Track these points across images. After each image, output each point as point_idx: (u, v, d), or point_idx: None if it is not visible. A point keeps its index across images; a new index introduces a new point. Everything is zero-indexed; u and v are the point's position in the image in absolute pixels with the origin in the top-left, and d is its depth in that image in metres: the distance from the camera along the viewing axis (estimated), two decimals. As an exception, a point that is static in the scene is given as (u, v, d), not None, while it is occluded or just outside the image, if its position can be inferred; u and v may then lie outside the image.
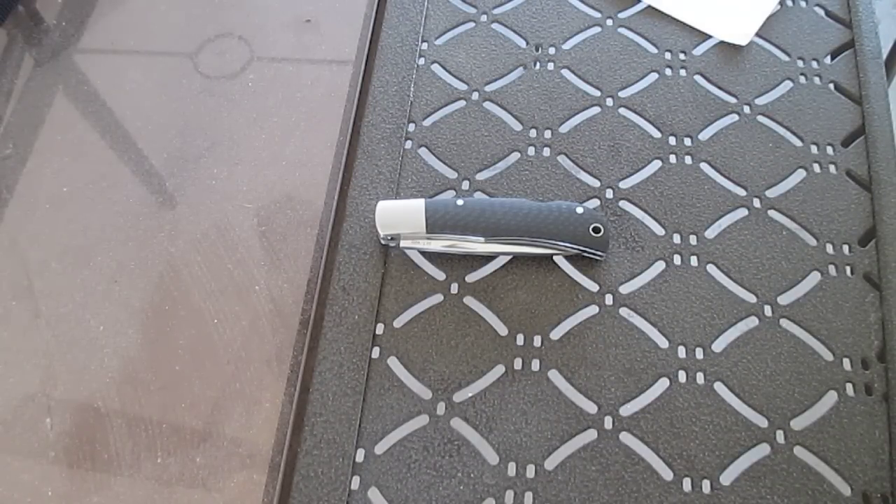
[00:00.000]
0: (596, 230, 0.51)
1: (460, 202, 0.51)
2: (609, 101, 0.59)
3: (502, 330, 0.50)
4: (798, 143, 0.57)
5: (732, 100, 0.58)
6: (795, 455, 0.46)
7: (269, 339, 0.52)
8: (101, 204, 0.57)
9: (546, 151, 0.57)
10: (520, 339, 0.50)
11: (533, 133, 0.57)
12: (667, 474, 0.46)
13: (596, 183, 0.55)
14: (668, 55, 0.61)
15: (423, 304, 0.51)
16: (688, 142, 0.57)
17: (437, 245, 0.52)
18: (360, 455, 0.47)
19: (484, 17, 0.63)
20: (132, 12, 0.68)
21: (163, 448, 0.48)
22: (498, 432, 0.47)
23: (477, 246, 0.51)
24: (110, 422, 0.49)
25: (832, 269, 0.51)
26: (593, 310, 0.51)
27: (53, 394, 0.50)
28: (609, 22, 0.63)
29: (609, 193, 0.55)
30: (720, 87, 0.59)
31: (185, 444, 0.48)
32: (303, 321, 0.52)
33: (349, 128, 0.59)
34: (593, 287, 0.51)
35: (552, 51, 0.61)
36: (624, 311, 0.50)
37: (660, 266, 0.52)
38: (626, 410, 0.47)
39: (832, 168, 0.55)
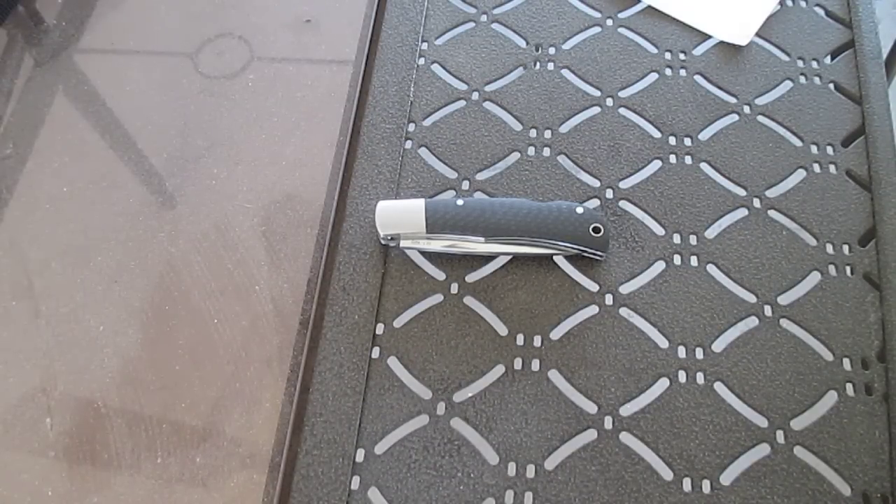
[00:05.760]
0: (596, 230, 0.51)
1: (460, 202, 0.51)
2: (609, 101, 0.59)
3: (502, 330, 0.50)
4: (798, 143, 0.57)
5: (732, 100, 0.58)
6: (795, 455, 0.46)
7: (269, 339, 0.52)
8: (101, 204, 0.57)
9: (546, 151, 0.57)
10: (520, 339, 0.50)
11: (533, 133, 0.57)
12: (667, 474, 0.46)
13: (596, 183, 0.55)
14: (668, 55, 0.61)
15: (423, 304, 0.51)
16: (688, 142, 0.57)
17: (437, 245, 0.52)
18: (360, 455, 0.47)
19: (484, 17, 0.63)
20: (132, 12, 0.68)
21: (163, 448, 0.48)
22: (498, 432, 0.47)
23: (477, 246, 0.51)
24: (110, 422, 0.49)
25: (832, 269, 0.51)
26: (593, 310, 0.51)
27: (53, 394, 0.50)
28: (609, 22, 0.63)
29: (609, 193, 0.55)
30: (720, 87, 0.59)
31: (185, 444, 0.48)
32: (303, 321, 0.52)
33: (349, 128, 0.59)
34: (593, 287, 0.51)
35: (552, 51, 0.61)
36: (624, 311, 0.50)
37: (660, 266, 0.52)
38: (626, 410, 0.47)
39: (832, 168, 0.55)
